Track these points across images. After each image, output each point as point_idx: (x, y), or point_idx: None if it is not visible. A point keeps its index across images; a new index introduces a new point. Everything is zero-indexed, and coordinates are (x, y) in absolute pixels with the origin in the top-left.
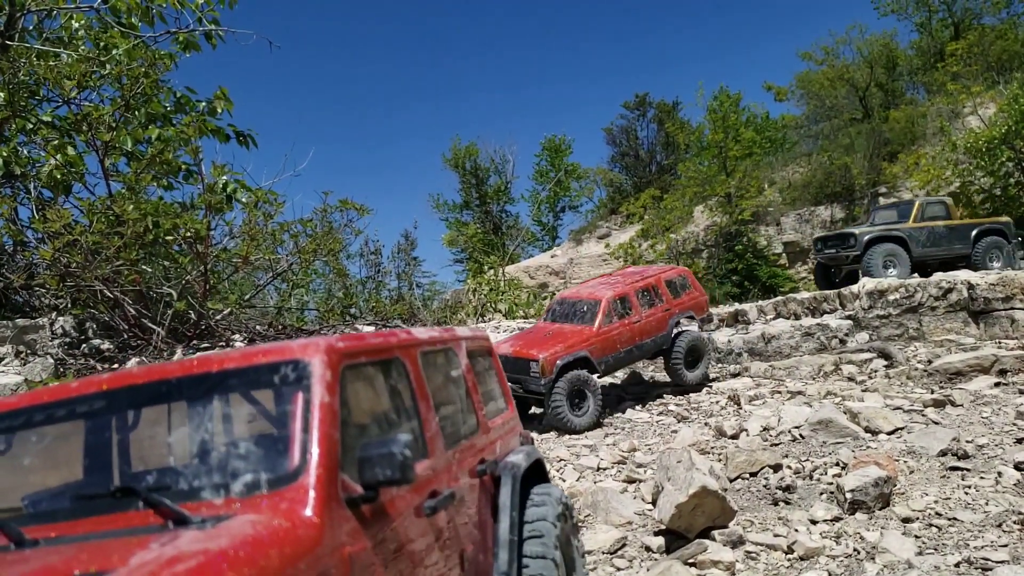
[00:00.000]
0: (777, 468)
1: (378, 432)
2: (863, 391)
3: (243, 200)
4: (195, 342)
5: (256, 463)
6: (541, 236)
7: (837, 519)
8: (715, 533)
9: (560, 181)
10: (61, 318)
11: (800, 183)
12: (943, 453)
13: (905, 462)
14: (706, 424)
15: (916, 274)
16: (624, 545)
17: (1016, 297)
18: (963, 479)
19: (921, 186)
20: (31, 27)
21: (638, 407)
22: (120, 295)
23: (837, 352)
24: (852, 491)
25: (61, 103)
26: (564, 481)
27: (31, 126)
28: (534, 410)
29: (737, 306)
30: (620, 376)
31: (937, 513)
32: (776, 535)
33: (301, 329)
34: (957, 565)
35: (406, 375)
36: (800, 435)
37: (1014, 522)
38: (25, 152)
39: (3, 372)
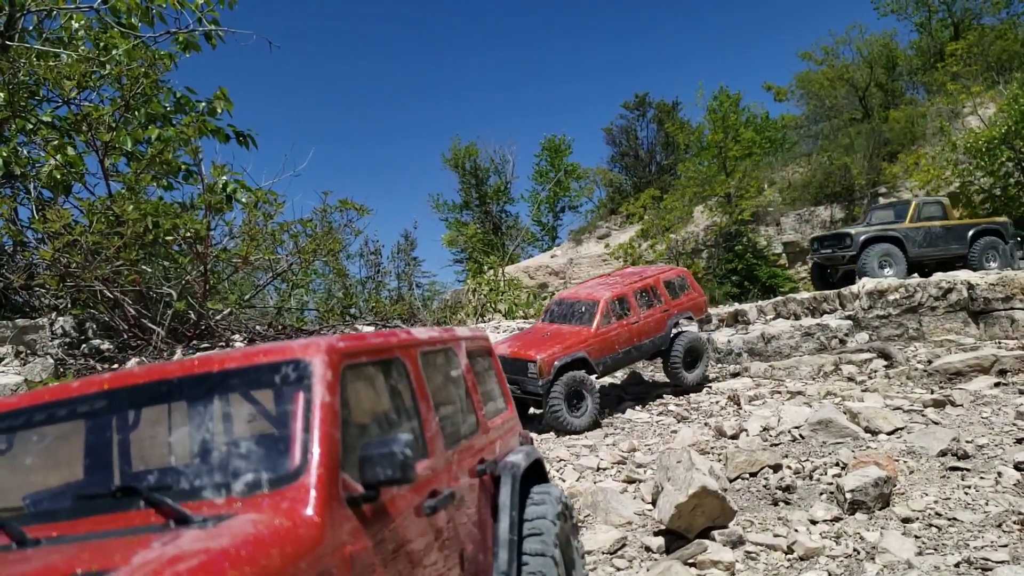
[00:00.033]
0: (777, 468)
1: (378, 432)
2: (863, 391)
3: (243, 200)
4: (195, 342)
5: (257, 462)
6: (541, 236)
7: (837, 519)
8: (715, 533)
9: (560, 181)
10: (61, 318)
11: (800, 183)
12: (943, 453)
13: (905, 462)
14: (706, 424)
15: (916, 274)
16: (624, 545)
17: (1016, 297)
18: (963, 479)
19: (921, 186)
20: (31, 27)
21: (638, 407)
22: (120, 295)
23: (837, 352)
24: (852, 491)
25: (61, 103)
26: (564, 481)
27: (31, 126)
28: (533, 411)
29: (737, 306)
30: (620, 376)
31: (937, 513)
32: (776, 535)
33: (301, 329)
34: (957, 565)
35: (406, 375)
36: (800, 435)
37: (1014, 522)
38: (25, 152)
39: (3, 372)
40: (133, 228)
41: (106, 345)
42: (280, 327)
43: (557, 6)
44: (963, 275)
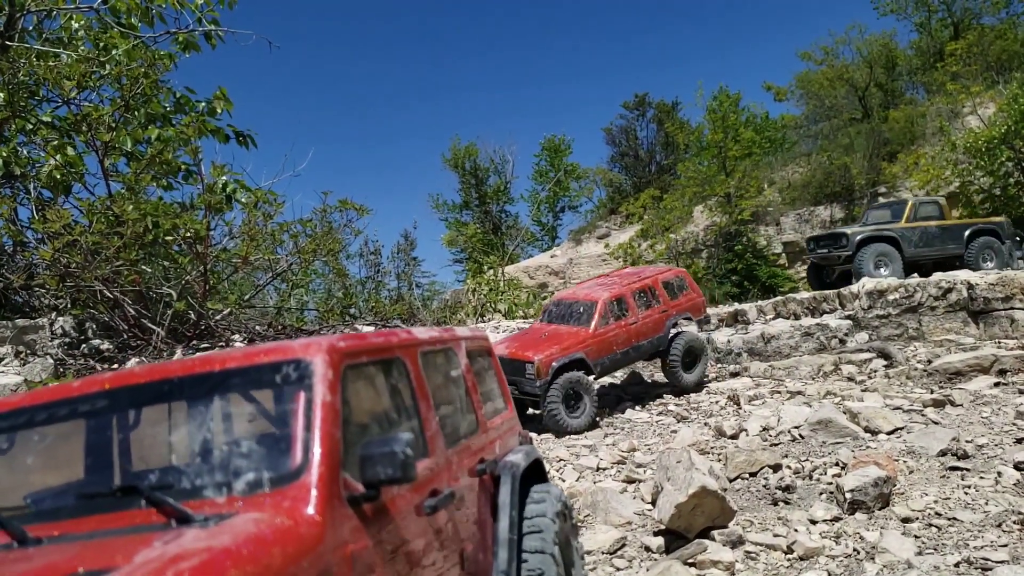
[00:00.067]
0: (777, 468)
1: (379, 431)
2: (863, 391)
3: (243, 200)
4: (195, 342)
5: (258, 462)
6: (541, 236)
7: (837, 519)
8: (715, 533)
9: (560, 181)
10: (61, 318)
11: (800, 183)
12: (943, 453)
13: (905, 462)
14: (706, 424)
15: (915, 274)
16: (624, 545)
17: (1016, 297)
18: (963, 479)
19: (920, 186)
20: (31, 27)
21: (637, 407)
22: (120, 295)
23: (837, 352)
24: (852, 491)
25: (61, 103)
26: (564, 481)
27: (31, 126)
28: (532, 411)
29: (737, 306)
30: (620, 376)
31: (937, 513)
32: (776, 535)
33: (301, 329)
34: (957, 565)
35: (406, 375)
36: (800, 435)
37: (1014, 522)
38: (25, 152)
39: (3, 372)
40: (133, 228)
41: (106, 345)
42: (280, 327)
43: (557, 6)
44: (963, 275)
